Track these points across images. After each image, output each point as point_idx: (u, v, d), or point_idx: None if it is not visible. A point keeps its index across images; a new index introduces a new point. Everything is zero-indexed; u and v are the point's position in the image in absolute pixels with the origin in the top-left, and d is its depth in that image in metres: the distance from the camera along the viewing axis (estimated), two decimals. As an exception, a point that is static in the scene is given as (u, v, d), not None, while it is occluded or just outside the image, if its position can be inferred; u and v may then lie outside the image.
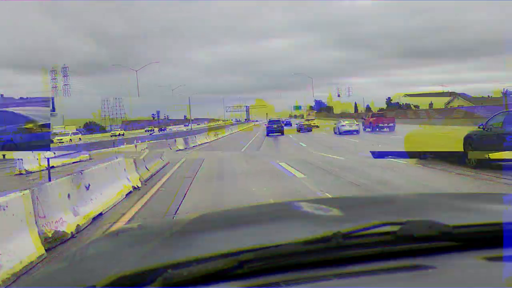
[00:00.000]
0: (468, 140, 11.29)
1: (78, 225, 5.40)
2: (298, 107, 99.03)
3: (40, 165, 14.25)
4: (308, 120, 50.90)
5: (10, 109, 7.03)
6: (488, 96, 68.81)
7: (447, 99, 55.98)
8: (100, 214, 6.28)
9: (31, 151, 10.90)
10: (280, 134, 34.66)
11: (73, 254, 1.13)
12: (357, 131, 30.68)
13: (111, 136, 52.65)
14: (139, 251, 0.93)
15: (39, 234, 4.48)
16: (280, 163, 11.78)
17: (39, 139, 7.09)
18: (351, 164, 11.32)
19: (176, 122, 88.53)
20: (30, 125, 6.95)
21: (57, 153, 16.57)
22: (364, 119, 36.96)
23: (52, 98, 40.07)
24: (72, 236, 5.10)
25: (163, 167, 12.39)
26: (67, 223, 5.19)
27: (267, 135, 34.52)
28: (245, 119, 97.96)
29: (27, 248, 4.23)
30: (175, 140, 24.53)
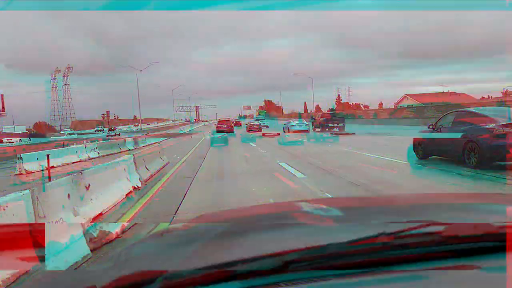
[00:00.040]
0: (418, 141, 11.42)
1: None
2: (247, 107, 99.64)
3: (40, 165, 14.27)
4: (258, 120, 51.13)
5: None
6: (488, 96, 68.95)
7: (447, 98, 56.14)
8: (100, 214, 6.28)
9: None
10: (229, 133, 35.01)
11: (118, 254, 1.13)
12: (307, 130, 31.13)
13: (66, 135, 53.08)
14: (187, 250, 0.93)
15: (95, 234, 4.51)
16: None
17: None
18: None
19: (126, 122, 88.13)
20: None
21: None
22: (314, 119, 37.19)
23: (1, 97, 39.61)
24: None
25: (163, 167, 12.39)
26: (67, 223, 5.19)
27: (217, 132, 35.12)
28: (195, 119, 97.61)
29: (83, 248, 4.28)
30: (125, 140, 24.58)
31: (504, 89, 65.41)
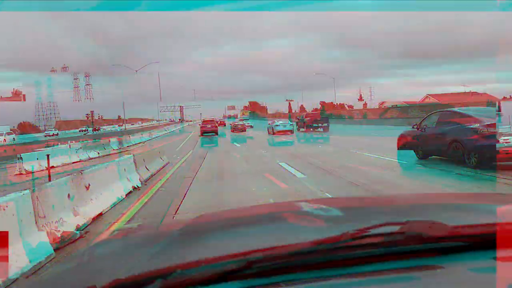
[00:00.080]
0: (403, 141, 11.55)
1: (78, 225, 5.40)
2: (232, 108, 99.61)
3: (40, 165, 14.28)
4: (242, 120, 51.03)
5: None
6: (510, 96, 68.75)
7: (468, 98, 56.18)
8: (100, 214, 6.28)
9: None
10: (213, 134, 35.18)
11: (81, 254, 1.13)
12: (291, 131, 31.11)
13: (45, 136, 52.82)
14: (147, 252, 0.93)
15: (39, 234, 4.48)
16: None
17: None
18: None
19: (111, 122, 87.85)
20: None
21: None
22: (298, 119, 37.22)
23: None
24: (72, 236, 5.10)
25: (163, 167, 12.40)
26: (67, 223, 5.19)
27: (201, 135, 34.98)
28: (179, 119, 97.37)
29: (46, 248, 4.27)
30: (109, 141, 24.53)
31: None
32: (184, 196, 7.66)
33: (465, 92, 64.28)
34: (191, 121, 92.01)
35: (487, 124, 8.62)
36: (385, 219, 0.94)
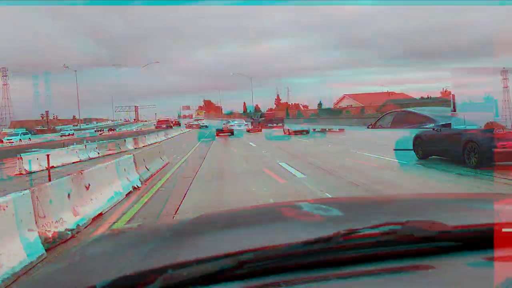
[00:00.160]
0: (418, 140, 11.60)
1: (78, 225, 5.40)
2: (187, 107, 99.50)
3: (40, 165, 14.27)
4: (197, 119, 51.11)
5: None
6: (428, 96, 68.67)
7: (384, 98, 56.11)
8: (100, 214, 6.28)
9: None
10: None
11: (73, 254, 1.13)
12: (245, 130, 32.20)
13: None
14: (139, 251, 0.93)
15: (39, 234, 4.48)
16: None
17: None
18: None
19: (66, 122, 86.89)
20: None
21: None
22: (253, 119, 37.40)
23: None
24: (72, 236, 5.10)
25: (163, 167, 12.40)
26: (67, 223, 5.19)
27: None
28: (134, 119, 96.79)
29: (38, 248, 4.25)
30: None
31: (443, 88, 65.12)
32: (185, 196, 7.66)
33: (382, 92, 64.31)
34: (146, 121, 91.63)
35: (442, 124, 8.85)
36: (385, 219, 0.94)
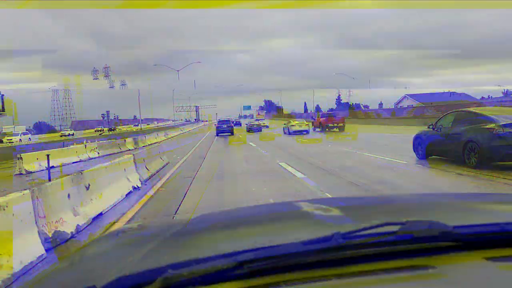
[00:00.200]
0: (418, 140, 11.44)
1: (78, 225, 5.40)
2: (248, 107, 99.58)
3: (40, 165, 14.27)
4: (258, 120, 50.69)
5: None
6: (489, 96, 69.08)
7: (445, 98, 56.26)
8: (100, 214, 6.28)
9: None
10: (229, 133, 34.24)
11: (73, 254, 1.13)
12: (307, 131, 31.01)
13: (61, 136, 52.73)
14: (139, 251, 0.93)
15: (38, 234, 4.48)
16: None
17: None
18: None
19: (126, 122, 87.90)
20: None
21: None
22: (314, 120, 37.16)
23: (2, 97, 39.31)
24: (72, 236, 5.10)
25: (162, 167, 12.40)
26: (67, 223, 5.19)
27: (217, 134, 34.24)
28: (195, 119, 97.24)
29: (38, 248, 4.25)
30: (125, 140, 24.40)
31: (504, 90, 65.55)
32: (184, 196, 7.66)
33: (443, 92, 64.26)
34: (206, 121, 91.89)
35: (503, 124, 8.54)
36: (385, 219, 0.94)
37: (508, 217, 1.06)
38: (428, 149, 10.89)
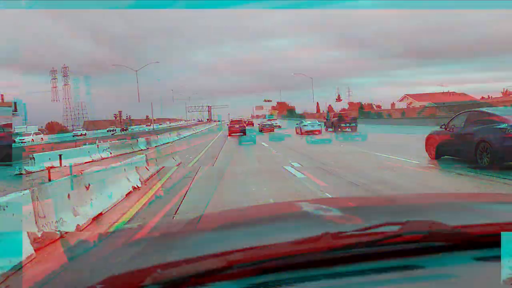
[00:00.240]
0: (430, 140, 11.40)
1: (78, 225, 5.40)
2: (260, 107, 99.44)
3: (53, 165, 14.24)
4: (270, 120, 50.67)
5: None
6: (488, 96, 69.14)
7: (446, 99, 56.31)
8: (100, 214, 6.28)
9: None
10: (242, 134, 33.49)
11: (72, 254, 1.13)
12: (320, 131, 30.85)
13: (73, 136, 52.57)
14: (139, 251, 0.93)
15: (39, 234, 4.48)
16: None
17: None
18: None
19: (138, 122, 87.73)
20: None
21: None
22: (327, 120, 37.07)
23: (13, 101, 39.96)
24: (72, 236, 5.10)
25: (162, 167, 12.40)
26: (67, 223, 5.19)
27: (229, 135, 33.73)
28: (207, 119, 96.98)
29: (27, 248, 4.23)
30: (137, 140, 24.34)
31: (504, 89, 65.57)
32: (184, 196, 7.66)
33: (443, 92, 64.21)
34: (218, 121, 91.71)
35: None
36: (385, 219, 0.94)
37: (508, 217, 1.06)
38: (440, 149, 10.84)
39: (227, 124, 41.99)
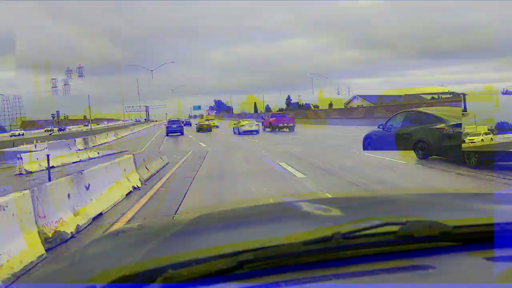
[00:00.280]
0: (368, 140, 11.53)
1: (78, 225, 5.40)
2: (198, 107, 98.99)
3: (40, 165, 14.25)
4: (208, 120, 50.49)
5: None
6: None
7: (446, 98, 56.59)
8: (100, 214, 6.28)
9: None
10: (179, 134, 33.89)
11: (73, 254, 1.13)
12: (257, 131, 30.72)
13: (11, 136, 51.94)
14: (139, 251, 0.93)
15: (39, 234, 4.48)
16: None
17: None
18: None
19: (76, 122, 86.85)
20: None
21: None
22: (264, 119, 37.04)
23: None
24: (72, 236, 5.10)
25: (162, 167, 12.39)
26: (67, 223, 5.19)
27: (167, 135, 33.77)
28: (145, 119, 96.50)
29: (27, 248, 4.23)
30: (75, 140, 24.09)
31: (504, 89, 65.68)
32: (185, 196, 7.66)
33: (443, 92, 64.60)
34: (156, 121, 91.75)
35: (453, 124, 8.71)
36: (385, 219, 0.94)
37: (508, 217, 1.06)
38: (377, 147, 11.03)
39: (165, 124, 41.86)
